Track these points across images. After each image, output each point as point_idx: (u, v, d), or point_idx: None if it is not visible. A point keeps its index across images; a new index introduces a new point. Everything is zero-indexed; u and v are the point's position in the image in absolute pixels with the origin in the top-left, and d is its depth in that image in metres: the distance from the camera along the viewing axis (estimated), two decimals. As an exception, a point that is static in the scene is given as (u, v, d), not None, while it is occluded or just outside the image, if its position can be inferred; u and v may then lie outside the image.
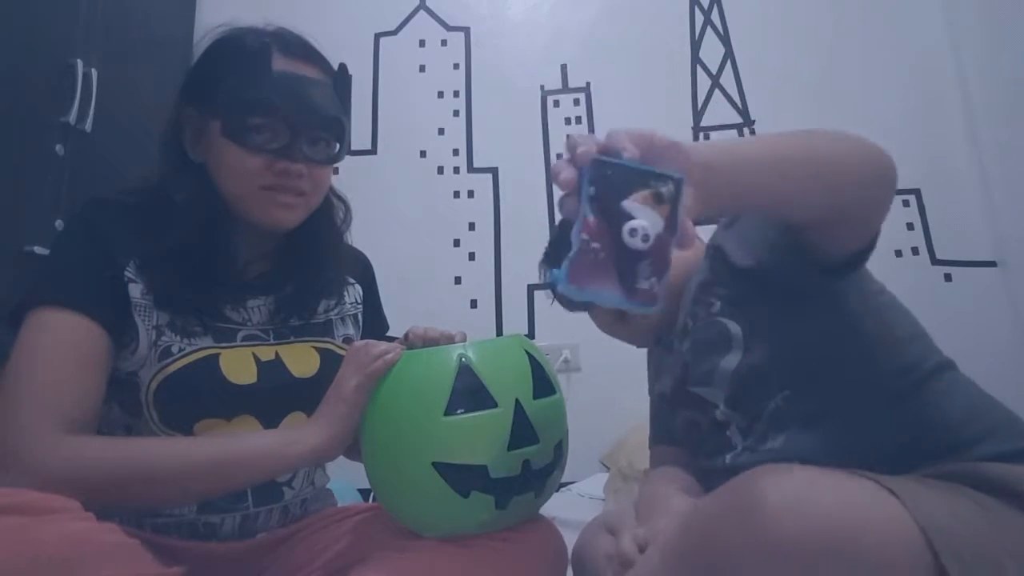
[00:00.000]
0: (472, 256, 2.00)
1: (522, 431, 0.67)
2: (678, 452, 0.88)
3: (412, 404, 0.67)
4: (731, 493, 0.50)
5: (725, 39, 2.13)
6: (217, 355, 0.73)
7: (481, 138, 2.09)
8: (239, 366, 0.74)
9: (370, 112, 2.11)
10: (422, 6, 2.21)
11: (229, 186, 0.74)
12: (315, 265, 0.83)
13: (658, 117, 2.03)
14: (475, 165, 2.07)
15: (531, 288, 1.95)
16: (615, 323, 0.94)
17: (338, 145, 0.78)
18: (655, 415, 0.97)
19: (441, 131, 2.10)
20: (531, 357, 0.72)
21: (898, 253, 1.93)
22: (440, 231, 2.02)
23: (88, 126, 1.45)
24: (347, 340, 0.86)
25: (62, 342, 0.65)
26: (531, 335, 1.92)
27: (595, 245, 0.45)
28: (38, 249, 1.26)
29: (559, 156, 2.05)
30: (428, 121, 2.11)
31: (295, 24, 0.79)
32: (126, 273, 0.70)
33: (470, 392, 0.66)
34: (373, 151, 2.09)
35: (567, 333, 1.87)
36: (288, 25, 0.79)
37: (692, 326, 0.80)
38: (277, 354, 0.78)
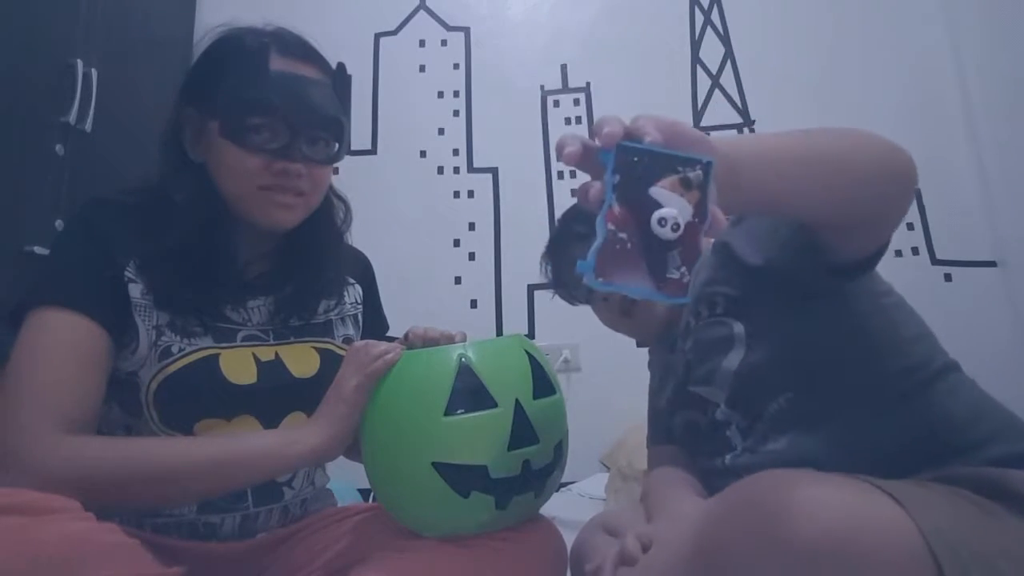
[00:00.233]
0: (472, 256, 2.00)
1: (522, 431, 0.67)
2: (676, 452, 0.88)
3: (412, 404, 0.67)
4: (736, 497, 0.50)
5: (725, 39, 2.13)
6: (217, 355, 0.73)
7: (481, 138, 2.09)
8: (239, 366, 0.74)
9: (370, 112, 2.11)
10: (422, 6, 2.21)
11: (228, 186, 0.74)
12: (315, 265, 0.83)
13: (658, 117, 2.03)
14: (475, 165, 2.07)
15: (531, 288, 1.95)
16: (620, 319, 0.94)
17: (337, 145, 0.78)
18: (654, 415, 0.97)
19: (441, 131, 2.10)
20: (531, 357, 0.72)
21: (898, 253, 1.93)
22: (440, 231, 2.02)
23: (88, 126, 1.45)
24: (347, 340, 0.86)
25: (62, 342, 0.65)
26: (531, 335, 1.92)
27: (622, 235, 0.43)
28: (38, 249, 1.26)
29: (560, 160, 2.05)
30: (428, 121, 2.11)
31: (295, 24, 0.79)
32: (126, 273, 0.70)
33: (470, 392, 0.66)
34: (373, 151, 2.09)
35: (567, 333, 1.87)
36: (288, 25, 0.79)
37: (695, 325, 0.80)
38: (277, 354, 0.78)
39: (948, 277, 1.91)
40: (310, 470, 0.82)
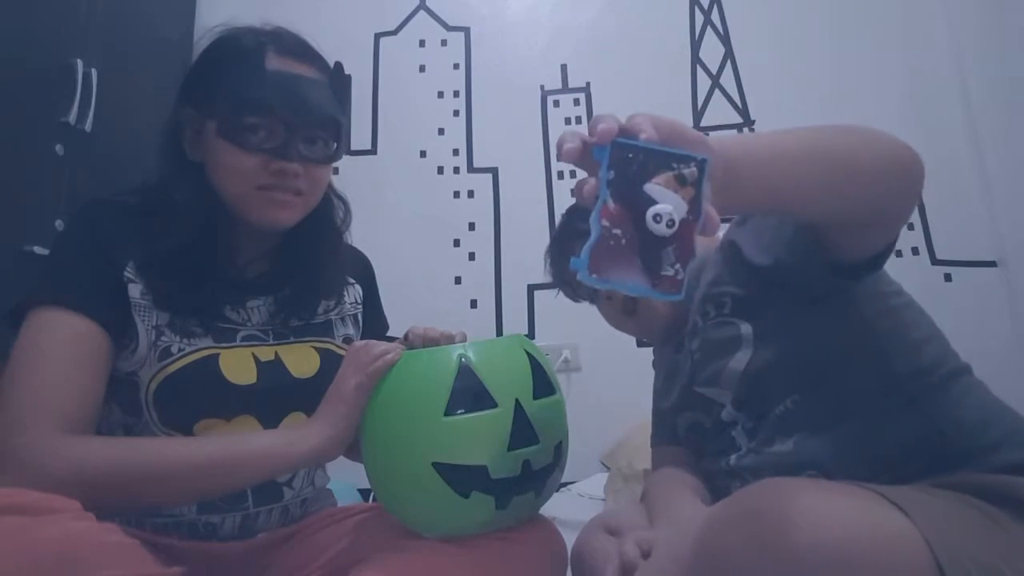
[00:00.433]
0: (472, 256, 2.00)
1: (522, 431, 0.67)
2: (680, 452, 0.88)
3: (412, 404, 0.67)
4: (739, 505, 0.50)
5: (725, 39, 2.13)
6: (217, 355, 0.73)
7: (481, 138, 2.09)
8: (239, 366, 0.74)
9: (370, 112, 2.11)
10: (422, 6, 2.21)
11: (226, 186, 0.74)
12: (315, 265, 0.83)
13: (658, 117, 2.03)
14: (475, 165, 2.07)
15: (531, 288, 1.95)
16: (623, 317, 0.93)
17: (335, 144, 0.78)
18: (658, 414, 0.97)
19: (441, 131, 2.10)
20: (531, 357, 0.72)
21: (898, 253, 1.93)
22: (440, 231, 2.02)
23: (88, 126, 1.45)
24: (347, 340, 0.86)
25: (62, 342, 0.65)
26: (531, 335, 1.92)
27: (616, 231, 0.43)
28: (38, 249, 1.26)
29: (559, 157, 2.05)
30: (428, 121, 2.11)
31: (295, 24, 0.79)
32: (125, 273, 0.70)
33: (470, 392, 0.66)
34: (373, 151, 2.09)
35: (567, 333, 1.87)
36: (288, 25, 0.79)
37: (702, 325, 0.79)
38: (277, 354, 0.78)
39: (948, 277, 1.91)
40: (310, 470, 0.82)
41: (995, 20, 1.95)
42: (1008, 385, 0.76)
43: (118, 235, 0.71)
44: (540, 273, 1.08)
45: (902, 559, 0.44)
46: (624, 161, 0.43)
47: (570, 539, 0.79)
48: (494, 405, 0.66)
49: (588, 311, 1.03)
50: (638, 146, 0.43)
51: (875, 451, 0.64)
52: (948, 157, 1.96)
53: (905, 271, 1.90)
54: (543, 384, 0.71)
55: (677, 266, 0.44)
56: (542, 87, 2.13)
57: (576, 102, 2.11)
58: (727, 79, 2.10)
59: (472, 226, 2.03)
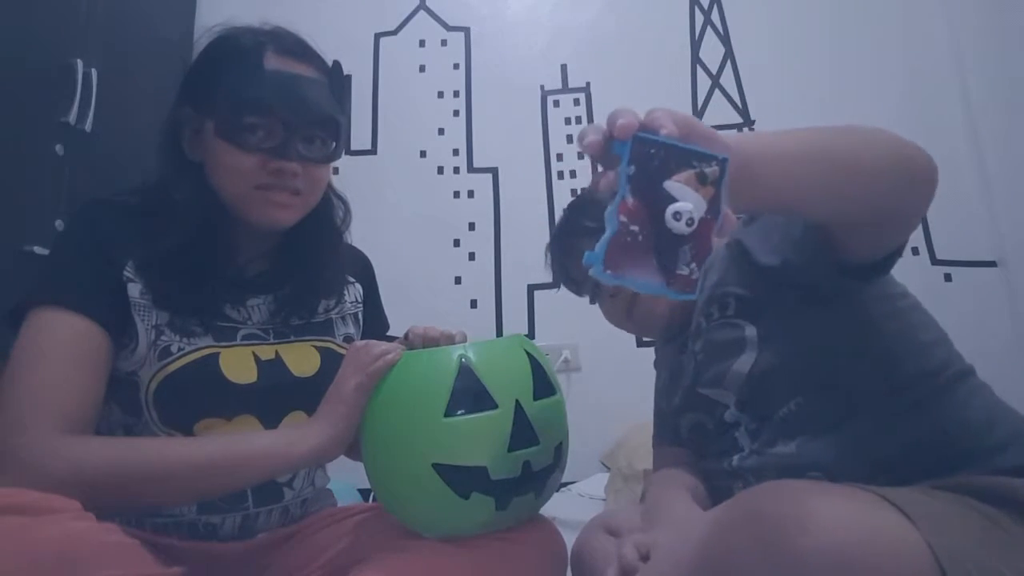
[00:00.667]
0: (472, 256, 2.00)
1: (522, 432, 0.67)
2: (681, 453, 0.88)
3: (412, 405, 0.67)
4: (742, 508, 0.50)
5: (725, 39, 2.13)
6: (217, 354, 0.73)
7: (481, 138, 2.09)
8: (239, 365, 0.74)
9: (370, 112, 2.11)
10: (422, 6, 2.21)
11: (225, 185, 0.74)
12: (315, 264, 0.83)
13: (658, 117, 2.03)
14: (475, 165, 2.07)
15: (531, 288, 1.95)
16: (624, 315, 0.93)
17: (334, 143, 0.78)
18: (660, 415, 0.96)
19: (441, 131, 2.10)
20: (531, 357, 0.72)
21: (898, 253, 1.92)
22: (440, 231, 2.02)
23: (88, 126, 1.45)
24: (347, 339, 0.86)
25: (62, 342, 0.65)
26: (531, 335, 1.92)
27: (633, 227, 0.42)
28: (38, 249, 1.26)
29: (559, 157, 2.06)
30: (428, 121, 2.11)
31: (295, 24, 0.79)
32: (125, 273, 0.70)
33: (470, 393, 0.66)
34: (373, 151, 2.09)
35: (567, 333, 1.87)
36: (288, 25, 0.79)
37: (706, 326, 0.79)
38: (277, 353, 0.78)
39: (948, 277, 1.91)
40: (310, 470, 0.82)
41: (995, 20, 1.95)
42: (1008, 385, 0.76)
43: (118, 235, 0.71)
44: (540, 273, 1.07)
45: (904, 562, 0.44)
46: (645, 157, 0.42)
47: (570, 539, 0.79)
48: (494, 406, 0.66)
49: (588, 311, 1.03)
50: (659, 142, 0.43)
51: (879, 453, 0.64)
52: (948, 157, 1.95)
53: (905, 271, 1.86)
54: (543, 385, 0.71)
55: (693, 265, 0.43)
56: (542, 87, 2.13)
57: (576, 102, 2.11)
58: (727, 79, 2.10)
59: (472, 226, 2.02)
